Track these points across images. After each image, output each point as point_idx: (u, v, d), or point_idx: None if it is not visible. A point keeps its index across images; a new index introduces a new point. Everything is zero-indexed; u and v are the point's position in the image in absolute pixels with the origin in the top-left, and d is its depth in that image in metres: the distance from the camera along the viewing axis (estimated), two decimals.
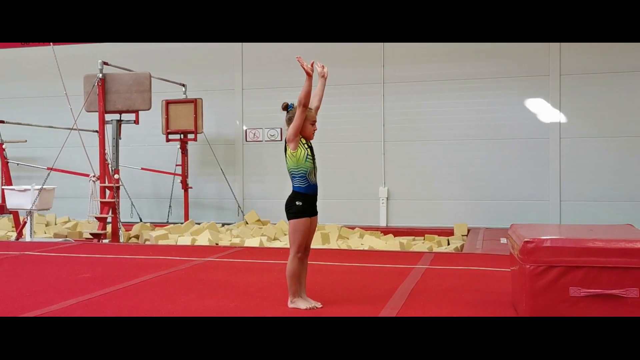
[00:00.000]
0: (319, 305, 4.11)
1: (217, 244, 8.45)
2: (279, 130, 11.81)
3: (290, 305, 4.14)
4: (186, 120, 11.13)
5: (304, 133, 4.04)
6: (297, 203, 4.03)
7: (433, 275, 5.37)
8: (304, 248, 4.11)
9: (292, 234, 4.09)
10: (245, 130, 12.06)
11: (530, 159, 10.54)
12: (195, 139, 11.28)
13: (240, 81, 12.05)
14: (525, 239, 3.44)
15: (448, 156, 10.91)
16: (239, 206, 11.77)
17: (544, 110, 10.54)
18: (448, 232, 10.14)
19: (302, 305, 4.09)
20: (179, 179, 11.48)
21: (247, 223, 10.95)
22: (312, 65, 3.99)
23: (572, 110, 10.41)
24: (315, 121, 4.10)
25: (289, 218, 4.08)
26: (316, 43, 9.13)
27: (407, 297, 4.40)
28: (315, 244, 8.73)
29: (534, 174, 10.53)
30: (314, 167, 4.07)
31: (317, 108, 4.17)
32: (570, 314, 3.29)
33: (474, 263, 6.06)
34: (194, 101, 11.05)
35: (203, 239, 8.69)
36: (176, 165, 11.50)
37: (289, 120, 4.07)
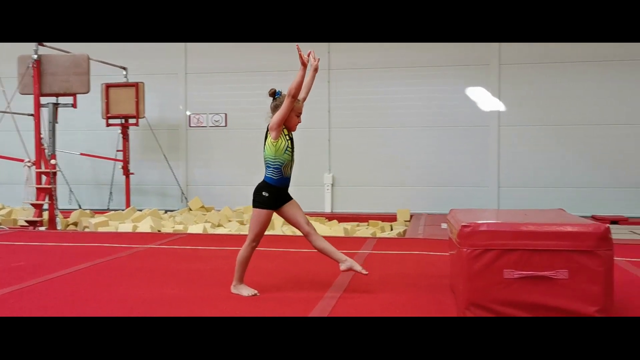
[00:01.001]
0: (257, 292, 4.09)
1: (159, 231, 8.30)
2: (223, 115, 11.67)
3: (232, 290, 4.12)
4: (127, 105, 10.83)
5: (288, 124, 3.96)
6: (263, 194, 3.98)
7: (375, 260, 5.45)
8: (259, 238, 4.07)
9: (252, 222, 4.05)
10: (189, 116, 11.85)
11: (471, 146, 10.81)
12: (136, 124, 11.01)
13: (183, 65, 11.82)
14: (463, 224, 3.52)
15: (392, 142, 11.06)
16: (182, 192, 11.60)
17: (484, 98, 10.81)
18: (391, 218, 10.30)
19: (244, 292, 4.08)
20: (120, 164, 11.19)
21: (190, 210, 10.80)
22: (309, 55, 3.90)
23: (511, 98, 10.72)
24: (300, 113, 4.02)
25: (253, 206, 4.04)
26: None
27: (349, 282, 4.45)
28: (267, 228, 8.70)
29: (475, 161, 10.81)
30: (292, 161, 4.01)
31: (304, 99, 4.07)
32: (504, 296, 3.40)
33: (415, 248, 6.19)
34: (136, 85, 10.76)
35: (145, 226, 8.52)
36: (117, 150, 11.21)
37: (275, 108, 3.98)
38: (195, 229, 8.50)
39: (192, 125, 11.85)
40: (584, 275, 3.32)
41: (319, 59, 4.06)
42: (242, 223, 9.50)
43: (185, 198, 11.56)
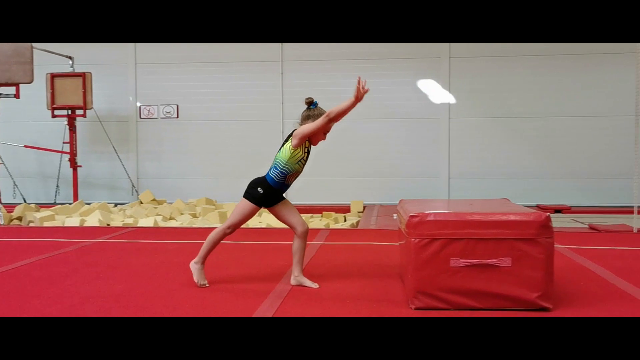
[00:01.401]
0: (206, 284, 4.06)
1: (108, 225, 8.12)
2: (174, 107, 11.48)
3: (191, 265, 4.08)
4: (74, 96, 10.52)
5: (313, 138, 3.94)
6: (259, 189, 3.95)
7: (328, 251, 5.49)
8: (236, 227, 4.03)
9: (235, 210, 4.02)
10: (139, 107, 11.61)
11: (422, 138, 10.98)
12: (84, 115, 10.71)
13: (133, 55, 11.55)
14: (411, 214, 3.58)
15: (346, 134, 11.10)
16: (133, 185, 11.37)
17: (435, 91, 10.98)
18: (345, 209, 10.37)
19: (196, 274, 4.04)
20: (67, 157, 10.87)
21: (141, 203, 10.60)
22: (366, 92, 3.80)
23: (461, 91, 10.93)
24: (328, 132, 4.01)
25: (244, 195, 4.00)
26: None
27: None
28: (214, 223, 8.64)
29: (426, 153, 10.99)
30: (300, 172, 3.99)
31: (337, 120, 3.98)
32: (451, 284, 3.48)
33: (367, 238, 6.26)
34: (83, 75, 10.45)
35: (93, 220, 8.31)
36: (64, 142, 10.87)
37: (306, 118, 3.94)
38: (146, 222, 8.35)
39: (142, 116, 11.61)
40: (526, 262, 3.43)
41: (367, 90, 3.89)
42: (194, 216, 9.40)
43: (136, 191, 11.34)
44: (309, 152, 3.99)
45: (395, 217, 7.81)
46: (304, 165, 3.99)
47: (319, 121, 3.85)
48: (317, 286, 4.04)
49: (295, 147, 3.90)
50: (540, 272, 3.43)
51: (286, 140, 3.97)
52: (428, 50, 10.84)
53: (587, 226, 7.52)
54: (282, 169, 3.94)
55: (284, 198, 4.11)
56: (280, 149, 3.98)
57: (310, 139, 3.96)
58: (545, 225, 3.44)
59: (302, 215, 9.69)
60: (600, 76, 10.59)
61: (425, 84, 11.00)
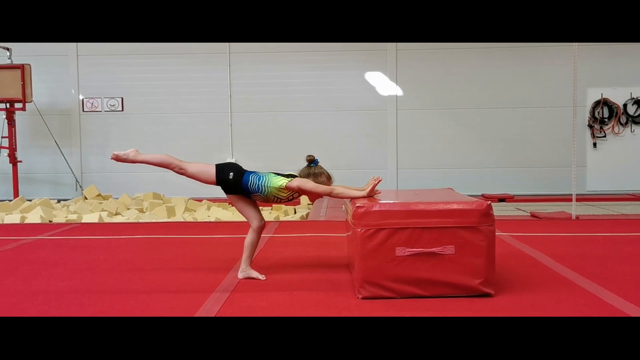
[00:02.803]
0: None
1: (50, 222, 7.86)
2: (119, 99, 11.21)
3: (118, 152, 4.09)
4: (12, 88, 10.12)
5: (306, 194, 3.98)
6: (230, 174, 3.94)
7: (276, 243, 5.48)
8: (185, 174, 4.01)
9: (201, 165, 4.05)
10: (82, 100, 11.28)
11: (371, 130, 11.08)
12: (23, 109, 10.32)
13: (74, 47, 11.20)
14: (357, 205, 3.62)
15: (294, 127, 11.11)
16: (77, 181, 11.06)
17: (382, 83, 11.09)
18: (295, 202, 10.37)
19: (129, 154, 4.02)
20: (5, 152, 10.46)
21: (86, 198, 10.31)
22: (377, 192, 3.94)
23: (408, 83, 11.08)
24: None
25: (217, 164, 4.01)
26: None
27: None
28: (161, 217, 8.49)
29: (375, 144, 11.11)
30: (269, 202, 4.02)
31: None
32: (397, 273, 3.53)
33: (316, 230, 6.29)
34: (21, 67, 10.07)
35: (34, 217, 8.03)
36: (2, 137, 10.46)
37: (307, 175, 3.96)
38: (91, 218, 8.12)
39: (85, 109, 11.28)
40: (469, 250, 3.52)
41: (380, 192, 4.03)
42: (141, 211, 9.21)
43: (80, 186, 11.03)
44: (290, 199, 4.05)
45: (343, 209, 7.87)
46: (275, 203, 4.10)
47: (321, 189, 3.94)
48: (264, 278, 4.03)
49: (288, 189, 3.93)
50: (482, 259, 3.52)
51: (287, 176, 3.99)
52: (375, 43, 10.93)
53: (528, 214, 7.77)
54: (261, 186, 3.94)
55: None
56: (277, 174, 3.99)
57: (301, 193, 4.00)
58: (487, 213, 3.53)
59: None
60: (541, 67, 10.94)
61: (373, 76, 11.09)
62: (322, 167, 4.08)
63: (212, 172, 3.98)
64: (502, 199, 9.85)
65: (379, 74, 11.07)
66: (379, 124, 11.08)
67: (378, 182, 3.98)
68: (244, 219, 8.22)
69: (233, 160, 11.06)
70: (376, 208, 3.56)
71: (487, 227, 3.53)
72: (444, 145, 11.07)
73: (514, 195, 10.19)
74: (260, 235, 4.10)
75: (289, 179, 3.95)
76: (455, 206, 3.55)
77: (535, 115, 10.98)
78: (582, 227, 6.35)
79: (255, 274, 4.06)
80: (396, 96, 11.07)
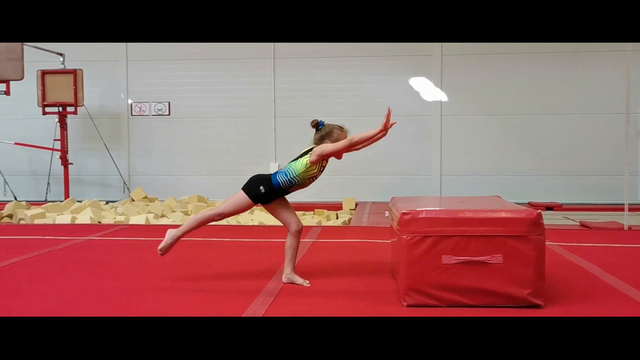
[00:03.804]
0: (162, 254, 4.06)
1: (99, 222, 8.07)
2: (166, 104, 11.44)
3: (168, 231, 4.07)
4: (65, 93, 10.45)
5: (332, 156, 3.97)
6: (260, 188, 3.94)
7: (320, 248, 5.49)
8: (225, 217, 4.01)
9: (231, 200, 4.00)
10: (131, 104, 11.56)
11: (415, 136, 10.99)
12: (75, 113, 10.64)
13: (124, 52, 11.49)
14: (403, 211, 3.59)
15: None
16: (124, 183, 11.32)
17: (426, 88, 10.99)
18: (337, 207, 10.37)
19: (166, 242, 4.02)
20: (58, 154, 10.80)
21: (133, 200, 10.56)
22: (391, 125, 3.90)
23: (453, 89, 10.95)
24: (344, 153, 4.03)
25: (243, 188, 3.99)
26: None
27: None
28: (238, 214, 8.59)
29: (418, 150, 11.01)
30: (306, 187, 4.01)
31: (356, 148, 4.08)
32: (442, 281, 3.48)
33: (359, 236, 6.27)
34: (74, 72, 10.39)
35: (84, 217, 8.27)
36: (55, 140, 10.81)
37: (321, 139, 3.97)
38: (138, 219, 8.31)
39: (134, 114, 11.56)
40: (517, 260, 3.44)
41: (395, 122, 4.00)
42: (186, 213, 9.36)
43: (128, 188, 11.29)
44: (322, 170, 4.02)
45: (387, 215, 7.82)
46: (313, 182, 4.03)
47: (340, 144, 3.89)
48: (309, 284, 4.03)
49: (313, 163, 3.91)
50: (531, 269, 3.44)
51: (304, 154, 3.97)
52: (420, 47, 10.85)
53: (578, 223, 7.56)
54: (292, 178, 3.95)
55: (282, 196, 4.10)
56: (296, 159, 3.98)
57: (327, 158, 3.98)
58: (537, 222, 3.45)
59: None
60: (592, 74, 10.65)
61: (417, 81, 11.01)
62: (329, 124, 4.03)
63: (244, 197, 3.96)
64: (549, 208, 9.61)
65: (423, 79, 10.98)
66: (422, 129, 10.98)
67: (389, 114, 3.92)
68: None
69: (276, 165, 11.15)
70: (423, 215, 3.52)
71: (537, 236, 3.45)
72: (489, 151, 10.89)
73: (562, 204, 9.94)
74: (299, 238, 4.09)
75: (308, 156, 3.94)
76: (504, 214, 3.48)
77: (585, 122, 10.69)
78: (635, 238, 6.13)
79: (299, 280, 4.06)
80: (441, 102, 10.96)
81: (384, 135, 4.06)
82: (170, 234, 4.05)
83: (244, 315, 3.36)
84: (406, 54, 10.88)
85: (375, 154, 10.99)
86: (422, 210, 3.56)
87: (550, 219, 8.10)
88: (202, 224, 4.06)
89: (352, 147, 3.93)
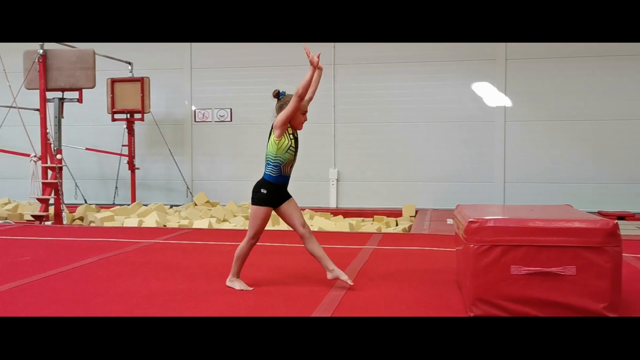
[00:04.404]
0: (250, 288, 4.11)
1: (164, 226, 8.31)
2: (228, 110, 11.67)
3: (227, 283, 4.16)
4: (133, 100, 10.85)
5: (294, 122, 3.96)
6: (262, 191, 4.00)
7: (381, 256, 5.44)
8: (259, 235, 4.09)
9: (251, 219, 4.08)
10: (194, 111, 11.86)
11: (477, 142, 10.78)
12: (142, 119, 11.02)
13: (189, 60, 11.81)
14: (470, 219, 3.51)
15: (397, 138, 11.04)
16: (187, 187, 11.61)
17: (490, 93, 10.77)
18: (397, 213, 10.29)
19: (237, 285, 4.11)
20: (125, 159, 11.21)
21: (196, 204, 10.81)
22: (318, 56, 3.91)
23: (517, 94, 10.68)
24: (306, 111, 4.02)
25: (252, 202, 4.06)
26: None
27: (355, 278, 4.44)
28: (266, 225, 8.71)
29: (480, 156, 10.78)
30: (293, 160, 4.02)
31: (310, 99, 4.06)
32: (511, 292, 3.38)
33: (421, 243, 6.18)
34: (141, 80, 10.77)
35: (150, 221, 8.53)
36: (122, 145, 11.23)
37: (280, 108, 3.97)
38: (201, 224, 8.50)
39: (197, 120, 11.85)
40: (592, 272, 3.30)
41: (319, 53, 4.02)
42: (247, 218, 9.51)
43: (191, 193, 11.57)
44: (296, 138, 4.01)
45: (450, 222, 7.69)
46: (294, 152, 4.01)
47: (291, 103, 3.87)
48: (352, 283, 4.02)
49: (279, 137, 3.93)
50: (606, 282, 3.29)
51: (270, 135, 4.00)
52: (483, 52, 10.65)
53: None
54: (274, 162, 3.97)
55: (289, 197, 4.09)
56: (266, 145, 4.01)
57: (293, 124, 3.98)
58: (613, 233, 3.30)
59: (352, 218, 9.66)
60: None
61: (480, 86, 10.80)
62: (290, 94, 3.99)
63: (257, 209, 4.00)
64: (621, 217, 9.20)
65: (487, 84, 10.76)
66: (485, 135, 10.75)
67: (307, 51, 3.92)
68: (348, 229, 8.25)
69: (335, 172, 11.17)
70: (491, 224, 3.44)
71: (613, 247, 3.30)
72: (556, 158, 10.54)
73: (634, 213, 9.50)
74: (313, 237, 4.06)
75: (272, 133, 3.95)
76: (577, 224, 3.35)
77: None
78: None
79: (344, 276, 4.00)
80: (504, 107, 10.70)
81: (320, 70, 4.03)
82: (231, 283, 4.13)
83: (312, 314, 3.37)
84: (469, 58, 10.70)
85: (436, 160, 10.86)
86: (490, 219, 3.47)
87: (622, 229, 7.74)
88: (246, 255, 4.13)
89: (300, 98, 3.86)
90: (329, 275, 4.07)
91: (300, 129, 4.04)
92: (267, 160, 4.00)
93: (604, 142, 10.40)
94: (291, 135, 3.97)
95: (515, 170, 10.68)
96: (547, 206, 4.52)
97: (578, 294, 3.32)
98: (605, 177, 10.39)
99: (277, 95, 4.06)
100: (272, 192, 4.00)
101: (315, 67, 3.90)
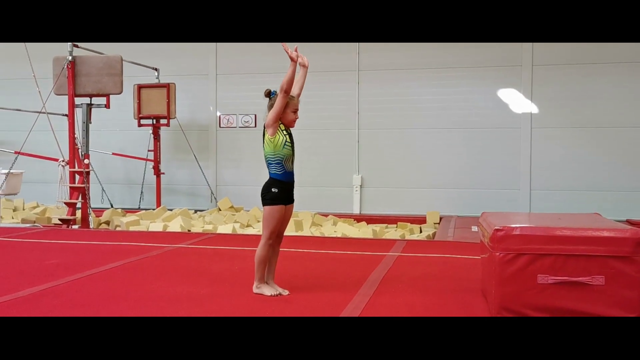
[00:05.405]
0: (285, 292, 4.11)
1: (189, 231, 8.38)
2: (253, 116, 11.73)
3: (255, 290, 4.15)
4: (159, 105, 10.97)
5: (284, 120, 4.02)
6: (272, 190, 4.03)
7: (405, 263, 5.41)
8: (275, 235, 4.11)
9: (265, 220, 4.08)
10: (219, 116, 11.95)
11: (502, 148, 10.66)
12: (167, 124, 11.14)
13: (214, 66, 11.91)
14: (496, 227, 3.47)
15: (421, 144, 10.98)
16: (212, 192, 11.69)
17: (516, 100, 10.65)
18: (420, 220, 10.22)
19: (266, 291, 4.10)
20: (151, 164, 11.33)
21: (220, 209, 10.88)
22: (296, 50, 3.97)
23: (544, 100, 10.54)
24: (297, 109, 4.08)
25: (263, 204, 4.08)
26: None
27: (379, 284, 4.43)
28: (289, 231, 8.71)
29: (506, 163, 10.66)
30: (292, 155, 4.05)
31: (298, 95, 4.14)
32: (537, 301, 3.34)
33: (445, 251, 6.13)
34: (167, 86, 10.89)
35: (175, 226, 8.61)
36: (148, 150, 11.35)
37: (270, 107, 4.03)
38: (225, 229, 8.55)
39: (222, 125, 11.94)
40: (621, 282, 3.25)
41: (296, 47, 4.07)
42: None
43: (215, 198, 11.65)
44: (289, 133, 4.05)
45: (475, 230, 7.61)
46: (291, 147, 4.05)
47: (278, 99, 3.94)
48: (288, 293, 4.11)
49: (272, 135, 3.98)
50: (636, 292, 3.24)
51: (264, 135, 4.05)
52: (508, 58, 10.54)
53: None
54: (274, 160, 4.01)
55: (292, 201, 4.14)
56: (263, 147, 4.06)
57: (284, 123, 4.02)
58: None
59: (376, 225, 9.62)
60: None
61: (506, 93, 10.69)
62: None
63: (270, 209, 4.03)
64: None
65: (513, 90, 10.64)
66: (511, 142, 10.63)
67: (285, 47, 4.00)
68: (371, 236, 8.22)
69: (359, 177, 11.15)
70: (517, 232, 3.40)
71: None
72: (582, 165, 10.37)
73: None
74: (279, 246, 4.22)
75: (266, 133, 4.00)
76: (606, 233, 3.30)
77: None
78: None
79: (268, 293, 4.08)
80: (531, 114, 10.57)
81: (303, 65, 4.14)
82: (258, 290, 4.14)
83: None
84: (495, 64, 10.60)
85: (461, 167, 10.77)
86: (517, 227, 3.43)
87: None
88: (265, 260, 4.13)
89: (286, 93, 3.92)
90: (255, 290, 4.12)
91: (292, 127, 4.10)
92: (268, 161, 4.05)
93: (633, 149, 10.19)
94: (284, 132, 4.03)
95: (542, 178, 10.53)
96: (575, 214, 4.46)
97: (606, 305, 3.27)
98: (634, 185, 10.18)
99: (269, 94, 4.13)
100: (282, 190, 4.04)
101: (295, 61, 3.95)
